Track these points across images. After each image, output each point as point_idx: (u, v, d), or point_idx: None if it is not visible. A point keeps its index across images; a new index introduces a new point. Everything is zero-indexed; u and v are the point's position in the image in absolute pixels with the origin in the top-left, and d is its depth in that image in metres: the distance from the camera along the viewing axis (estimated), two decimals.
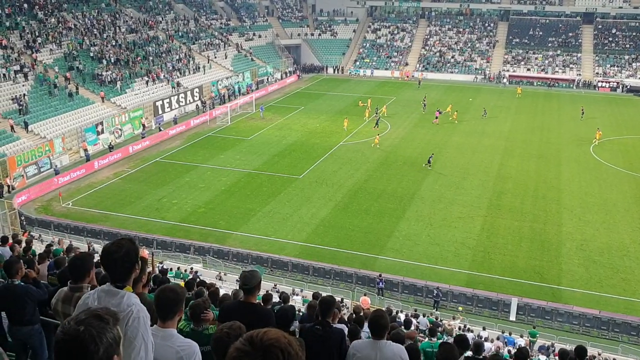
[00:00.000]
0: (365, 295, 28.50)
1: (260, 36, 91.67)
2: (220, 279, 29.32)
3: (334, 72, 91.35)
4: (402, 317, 19.11)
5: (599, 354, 23.43)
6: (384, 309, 20.56)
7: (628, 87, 78.33)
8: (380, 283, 30.16)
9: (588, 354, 21.90)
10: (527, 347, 19.37)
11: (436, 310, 29.11)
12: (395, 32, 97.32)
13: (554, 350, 23.45)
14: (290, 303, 23.35)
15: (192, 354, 4.61)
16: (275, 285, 28.84)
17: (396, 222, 37.34)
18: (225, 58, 79.63)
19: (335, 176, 45.29)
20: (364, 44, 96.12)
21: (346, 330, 8.34)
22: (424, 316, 24.72)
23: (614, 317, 27.90)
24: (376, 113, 61.57)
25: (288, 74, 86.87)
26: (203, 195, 41.64)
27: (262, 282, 21.98)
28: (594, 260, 32.55)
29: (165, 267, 27.23)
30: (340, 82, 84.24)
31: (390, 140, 54.57)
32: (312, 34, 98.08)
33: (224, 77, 74.24)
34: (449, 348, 6.67)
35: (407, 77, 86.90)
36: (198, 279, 16.75)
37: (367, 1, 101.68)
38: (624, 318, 27.81)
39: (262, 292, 18.43)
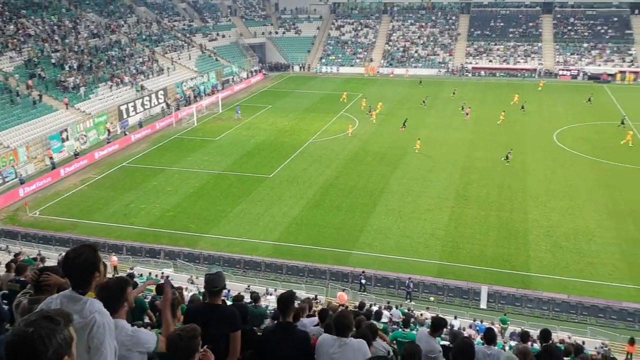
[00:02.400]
0: (343, 291, 28.71)
1: (224, 36, 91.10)
2: (192, 283, 29.15)
3: (300, 69, 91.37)
4: (375, 309, 19.31)
5: (569, 337, 23.98)
6: (357, 303, 20.75)
7: (588, 74, 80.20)
8: (362, 279, 30.40)
9: (558, 338, 22.47)
10: (494, 328, 19.72)
11: (409, 301, 29.45)
12: (359, 28, 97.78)
13: (517, 334, 23.93)
14: (264, 303, 23.38)
15: (138, 344, 4.73)
16: (248, 286, 28.80)
17: (367, 216, 37.62)
18: (190, 59, 78.91)
19: (305, 174, 45.36)
20: (329, 41, 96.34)
21: (313, 329, 8.43)
22: (396, 308, 24.99)
23: (582, 301, 28.62)
24: (369, 111, 61.84)
25: (254, 73, 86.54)
26: (171, 198, 41.27)
27: (235, 283, 21.87)
28: (560, 246, 33.32)
29: (135, 272, 26.96)
30: (307, 80, 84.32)
31: (359, 136, 54.86)
32: (277, 32, 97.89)
33: (189, 78, 73.59)
34: (415, 349, 6.73)
35: (373, 73, 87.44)
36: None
37: None
38: (592, 301, 28.54)
39: (234, 293, 18.38)
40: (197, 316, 5.68)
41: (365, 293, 29.84)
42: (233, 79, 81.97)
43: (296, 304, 8.47)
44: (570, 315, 28.46)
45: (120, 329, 4.58)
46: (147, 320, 9.06)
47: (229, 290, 23.80)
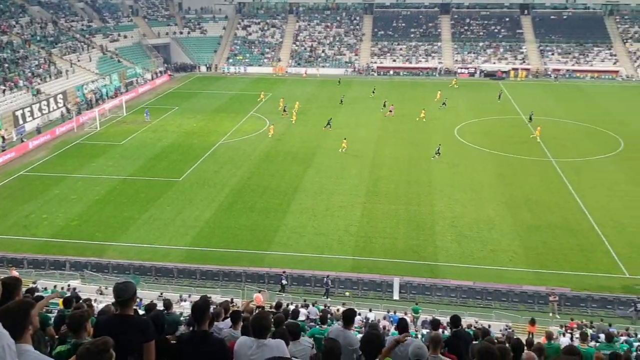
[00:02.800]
0: (260, 292, 28.60)
1: (125, 36, 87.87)
2: (101, 293, 27.97)
3: (207, 70, 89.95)
4: (292, 308, 19.45)
5: (476, 322, 25.26)
6: (273, 304, 20.77)
7: (485, 72, 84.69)
8: (283, 279, 30.41)
9: (466, 323, 23.59)
10: (406, 318, 20.43)
11: (327, 298, 29.87)
12: (266, 28, 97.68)
13: (430, 322, 24.94)
14: (179, 309, 22.88)
15: None
16: (161, 294, 28.03)
17: (282, 216, 37.72)
18: (90, 61, 75.44)
19: (217, 176, 44.76)
20: (235, 41, 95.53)
21: (226, 332, 8.37)
22: (313, 305, 25.27)
23: (486, 287, 30.26)
24: (284, 111, 61.91)
25: (159, 74, 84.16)
26: (75, 207, 39.35)
27: (147, 291, 21.19)
28: (465, 235, 35.01)
29: (39, 286, 25.50)
30: (215, 80, 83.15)
31: (269, 136, 54.79)
32: (181, 33, 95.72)
33: (90, 80, 70.38)
34: (334, 344, 6.85)
35: (282, 72, 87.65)
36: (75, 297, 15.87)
37: None
38: (495, 286, 30.25)
39: (146, 302, 17.86)
40: (108, 328, 5.51)
41: (284, 294, 29.91)
42: (137, 80, 79.29)
43: (211, 308, 8.39)
44: (476, 300, 30.01)
45: (25, 355, 4.36)
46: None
47: (140, 300, 23.05)
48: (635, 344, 22.29)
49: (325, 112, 62.64)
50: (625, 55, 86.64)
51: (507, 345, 9.18)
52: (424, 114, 59.58)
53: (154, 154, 49.93)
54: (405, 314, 26.78)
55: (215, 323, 9.47)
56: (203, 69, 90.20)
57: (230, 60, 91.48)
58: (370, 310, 26.88)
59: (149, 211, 38.52)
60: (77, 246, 34.27)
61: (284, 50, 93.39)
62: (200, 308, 6.10)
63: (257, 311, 9.64)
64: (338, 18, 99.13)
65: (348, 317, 8.65)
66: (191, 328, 7.50)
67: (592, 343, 18.59)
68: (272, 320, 7.14)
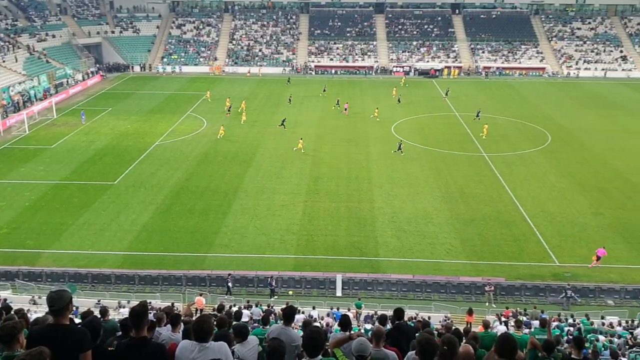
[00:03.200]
0: (201, 295, 28.23)
1: (54, 36, 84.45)
2: (34, 303, 26.84)
3: (141, 70, 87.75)
4: (234, 310, 19.30)
5: (417, 314, 25.87)
6: (216, 306, 20.55)
7: (419, 70, 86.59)
8: (229, 282, 30.17)
9: (407, 316, 24.11)
10: (348, 315, 20.72)
11: (272, 298, 29.82)
12: (201, 27, 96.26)
13: (377, 318, 25.36)
14: (117, 316, 22.23)
15: None
16: (99, 301, 27.19)
17: (222, 217, 37.31)
18: (16, 61, 72.08)
19: (154, 178, 43.77)
20: (170, 40, 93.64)
21: (166, 335, 8.24)
22: (256, 306, 25.16)
23: (426, 279, 31.03)
24: (228, 111, 61.29)
25: (90, 75, 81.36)
26: (4, 214, 37.53)
27: (84, 299, 20.51)
28: (404, 230, 35.74)
29: None
30: (149, 80, 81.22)
31: (208, 136, 54.11)
32: (113, 32, 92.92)
33: (16, 82, 67.25)
34: (277, 344, 6.88)
35: (219, 72, 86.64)
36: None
37: None
38: (434, 278, 31.06)
39: (83, 309, 17.29)
40: (42, 339, 5.32)
41: (230, 296, 29.63)
42: (68, 81, 76.36)
43: (152, 314, 8.23)
44: (416, 293, 30.73)
45: None
46: None
47: (77, 308, 22.29)
48: (566, 329, 23.44)
49: (267, 111, 62.36)
50: (551, 53, 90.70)
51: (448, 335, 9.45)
52: (377, 113, 60.33)
53: (87, 158, 48.29)
54: (349, 310, 27.09)
55: (157, 328, 9.31)
56: (137, 68, 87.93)
57: (165, 60, 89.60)
58: (313, 308, 27.04)
59: (83, 216, 37.25)
60: (7, 255, 32.74)
61: (220, 49, 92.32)
62: (138, 313, 5.97)
63: (198, 314, 9.52)
64: (274, 17, 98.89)
65: (288, 315, 8.69)
66: (129, 335, 7.29)
67: (527, 330, 19.43)
68: (214, 323, 7.08)
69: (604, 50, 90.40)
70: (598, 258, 31.80)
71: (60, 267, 31.45)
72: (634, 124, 59.04)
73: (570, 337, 22.50)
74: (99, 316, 11.15)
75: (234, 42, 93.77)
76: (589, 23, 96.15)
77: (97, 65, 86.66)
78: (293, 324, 9.03)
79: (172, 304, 25.03)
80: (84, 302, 26.65)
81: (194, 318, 11.03)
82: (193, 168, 45.93)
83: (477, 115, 59.61)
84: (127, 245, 33.96)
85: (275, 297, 29.92)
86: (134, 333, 6.00)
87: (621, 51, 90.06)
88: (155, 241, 34.46)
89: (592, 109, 65.40)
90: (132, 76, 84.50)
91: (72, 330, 5.60)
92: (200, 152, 49.76)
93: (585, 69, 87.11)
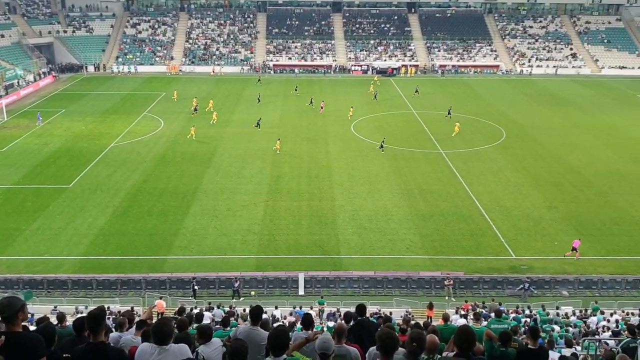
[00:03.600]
0: (161, 298, 27.81)
1: (3, 36, 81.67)
2: None
3: (96, 70, 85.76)
4: (195, 312, 19.10)
5: (379, 310, 26.13)
6: (176, 309, 20.30)
7: (377, 69, 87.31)
8: (194, 285, 29.81)
9: (369, 312, 24.32)
10: (310, 313, 20.80)
11: (238, 299, 29.63)
12: (157, 26, 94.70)
13: (340, 315, 25.51)
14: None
15: None
16: (55, 307, 26.47)
17: (181, 219, 36.85)
18: None
19: (110, 180, 42.88)
20: (124, 40, 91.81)
21: (127, 340, 8.10)
22: (218, 307, 24.97)
23: (387, 275, 31.36)
24: (195, 110, 60.87)
25: (42, 76, 79.06)
26: None
27: (40, 305, 19.96)
28: (364, 227, 36.03)
29: None
30: (104, 81, 79.46)
31: (165, 137, 53.32)
32: (65, 32, 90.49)
33: None
34: (240, 344, 6.84)
35: (175, 71, 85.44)
36: None
37: None
38: (394, 274, 31.42)
39: (39, 316, 16.81)
40: None
41: (194, 299, 29.31)
42: (18, 82, 73.98)
43: (111, 319, 8.08)
44: (377, 289, 31.03)
45: None
46: None
47: (32, 315, 21.65)
48: (523, 320, 24.07)
49: (225, 110, 61.80)
50: (504, 51, 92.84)
51: (407, 328, 9.60)
52: (352, 112, 60.63)
53: (40, 161, 46.94)
54: (311, 308, 27.15)
55: (119, 333, 9.19)
56: (91, 69, 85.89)
57: (120, 60, 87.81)
58: (276, 308, 26.97)
59: (38, 221, 36.21)
60: None
61: (177, 48, 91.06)
62: (96, 317, 5.86)
63: (158, 318, 9.41)
64: (231, 15, 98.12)
65: (255, 315, 8.68)
66: (83, 336, 7.10)
67: (485, 322, 19.84)
68: (174, 325, 7.01)
69: (555, 48, 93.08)
70: (574, 249, 32.73)
71: (14, 274, 30.52)
72: (584, 120, 60.99)
73: (527, 327, 23.15)
74: (56, 322, 10.89)
75: (190, 41, 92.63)
76: (540, 22, 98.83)
77: (50, 66, 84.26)
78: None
79: (132, 307, 24.64)
80: (40, 308, 25.90)
81: (154, 321, 10.87)
82: (150, 169, 45.20)
83: (449, 113, 60.45)
84: (84, 249, 33.20)
85: (242, 298, 29.73)
86: (91, 338, 5.88)
87: (571, 49, 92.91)
88: (112, 245, 33.79)
89: (544, 106, 67.27)
90: (86, 76, 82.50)
91: (25, 338, 5.44)
92: (157, 153, 49.00)
93: (538, 66, 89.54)
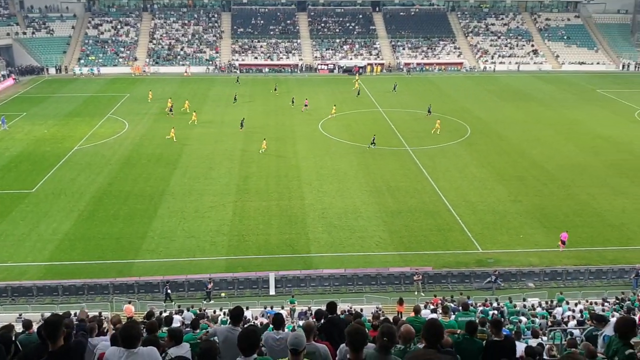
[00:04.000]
0: (130, 303, 27.46)
1: None
2: None
3: (57, 72, 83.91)
4: (164, 315, 18.91)
5: (350, 307, 26.27)
6: (145, 312, 20.07)
7: (344, 67, 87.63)
8: (167, 289, 29.52)
9: (340, 310, 24.44)
10: (281, 313, 20.80)
11: (209, 301, 29.44)
12: (119, 26, 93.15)
13: (311, 313, 25.57)
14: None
15: None
16: (20, 315, 25.83)
17: (149, 222, 36.39)
18: None
19: (74, 184, 42.06)
20: (86, 41, 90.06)
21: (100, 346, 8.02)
22: (188, 310, 24.75)
23: (357, 272, 31.57)
24: (170, 111, 60.44)
25: (2, 78, 76.99)
26: None
27: (4, 314, 19.50)
28: (334, 225, 36.17)
29: None
30: (66, 83, 77.81)
31: (130, 139, 52.53)
32: (25, 33, 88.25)
33: None
34: (210, 345, 6.86)
35: (139, 72, 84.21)
36: None
37: None
38: (364, 271, 31.66)
39: (3, 324, 16.41)
40: None
41: (165, 303, 28.98)
42: None
43: (73, 324, 7.97)
44: (348, 287, 31.21)
45: None
46: None
47: None
48: (491, 312, 24.52)
49: (191, 110, 61.21)
50: (468, 48, 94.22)
51: (377, 324, 9.70)
52: (334, 110, 60.71)
53: (1, 165, 45.74)
54: (282, 307, 27.14)
55: (89, 338, 9.12)
56: (52, 71, 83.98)
57: (82, 61, 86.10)
58: (247, 309, 26.83)
59: (0, 227, 35.30)
60: None
61: (140, 49, 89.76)
62: (53, 324, 5.77)
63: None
64: (196, 15, 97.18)
65: (235, 316, 8.67)
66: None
67: (453, 316, 20.15)
68: (143, 329, 6.96)
69: (517, 45, 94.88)
70: (563, 242, 33.45)
71: None
72: (546, 115, 62.35)
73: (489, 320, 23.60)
74: (22, 330, 10.70)
75: (154, 41, 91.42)
76: (502, 19, 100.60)
77: (9, 69, 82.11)
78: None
79: (100, 313, 24.27)
80: (4, 317, 25.25)
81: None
82: (116, 172, 44.50)
83: (429, 111, 61.01)
84: (49, 255, 32.52)
85: (212, 300, 29.53)
86: (50, 346, 5.79)
87: (532, 45, 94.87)
88: (78, 250, 33.18)
89: (507, 102, 68.54)
90: (47, 79, 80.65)
91: None
92: (122, 155, 48.27)
93: (500, 63, 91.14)
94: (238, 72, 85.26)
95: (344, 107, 65.19)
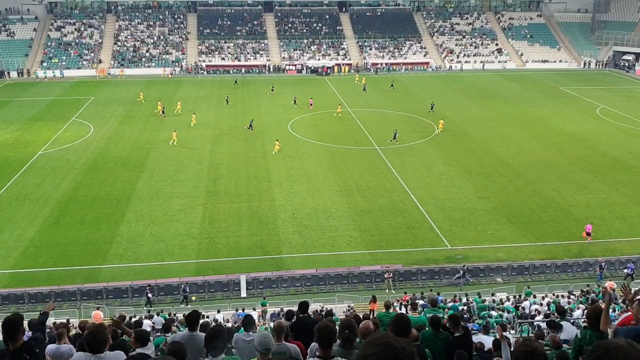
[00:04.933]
0: (98, 309, 26.97)
1: None
2: None
3: (19, 75, 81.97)
4: (134, 320, 18.67)
5: (322, 307, 26.32)
6: (115, 317, 19.76)
7: (311, 68, 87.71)
8: (148, 293, 29.14)
9: (311, 310, 24.46)
10: (251, 315, 20.78)
11: (187, 304, 29.19)
12: (83, 28, 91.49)
13: (284, 314, 25.52)
14: None
15: None
16: None
17: (116, 226, 35.84)
18: None
19: (39, 190, 41.17)
20: (49, 43, 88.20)
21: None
22: (158, 315, 24.50)
23: (328, 272, 31.64)
24: (162, 112, 60.02)
25: None
26: None
27: None
28: (305, 226, 36.18)
29: None
30: (28, 87, 76.07)
31: (95, 142, 51.65)
32: None
33: None
34: (178, 347, 6.80)
35: (104, 74, 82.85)
36: None
37: None
38: (335, 270, 31.75)
39: None
40: None
41: (150, 307, 28.61)
42: None
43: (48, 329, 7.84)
44: (320, 287, 31.27)
45: None
46: None
47: None
48: (460, 308, 24.87)
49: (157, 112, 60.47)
50: (434, 48, 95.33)
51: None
52: (340, 109, 61.46)
53: None
54: (254, 309, 27.05)
55: (56, 345, 9.00)
56: (14, 74, 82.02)
57: (45, 64, 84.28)
58: (218, 312, 26.70)
59: None
60: None
61: (105, 51, 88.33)
62: (12, 323, 5.66)
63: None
64: (161, 17, 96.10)
65: (192, 321, 8.61)
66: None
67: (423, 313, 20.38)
68: (109, 333, 6.87)
69: (482, 44, 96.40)
70: (588, 234, 33.99)
71: None
72: (511, 113, 63.50)
73: (467, 315, 23.95)
74: None
75: (119, 43, 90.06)
76: (467, 18, 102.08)
77: None
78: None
79: (68, 320, 23.81)
80: None
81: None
82: (81, 176, 43.71)
83: (432, 108, 61.98)
84: (13, 262, 31.77)
85: (182, 305, 29.24)
86: (10, 345, 5.69)
87: (497, 44, 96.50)
88: (44, 256, 32.49)
89: (473, 100, 69.57)
90: (8, 83, 78.71)
91: None
92: (88, 159, 47.43)
93: (466, 62, 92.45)
94: (181, 74, 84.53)
95: (313, 107, 65.23)
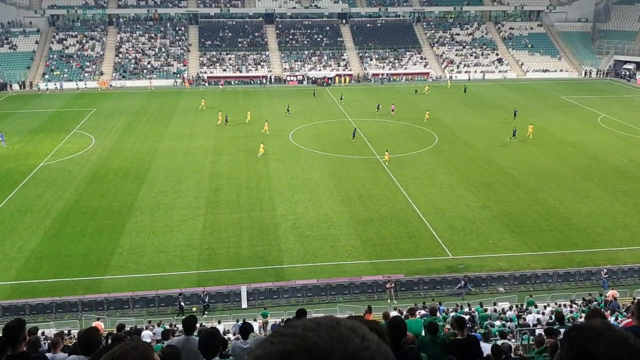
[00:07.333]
0: (98, 319, 26.97)
1: None
2: None
3: (21, 88, 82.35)
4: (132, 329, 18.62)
5: None
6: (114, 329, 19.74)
7: (312, 78, 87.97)
8: (181, 300, 29.27)
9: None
10: (249, 323, 20.71)
11: (181, 315, 29.05)
12: (84, 41, 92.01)
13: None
14: None
15: None
16: None
17: (117, 238, 35.84)
18: None
19: (40, 201, 41.23)
20: (51, 56, 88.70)
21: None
22: (158, 325, 24.42)
23: (330, 282, 31.56)
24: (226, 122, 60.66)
25: None
26: None
27: None
28: (306, 235, 36.14)
29: None
30: (31, 99, 76.39)
31: (97, 154, 51.78)
32: None
33: None
34: (172, 350, 6.81)
35: (106, 86, 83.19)
36: None
37: (47, 10, 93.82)
38: (337, 281, 31.66)
39: None
40: None
41: (178, 317, 28.54)
42: None
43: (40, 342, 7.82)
44: (321, 297, 31.19)
45: None
46: None
47: None
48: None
49: (159, 124, 60.63)
50: (434, 58, 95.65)
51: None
52: (427, 115, 62.07)
53: None
54: (255, 320, 26.93)
55: (52, 353, 9.01)
56: (16, 87, 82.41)
57: (47, 77, 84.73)
58: (219, 322, 26.58)
59: None
60: None
61: (106, 63, 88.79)
62: (13, 329, 5.66)
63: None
64: (162, 29, 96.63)
65: (187, 326, 8.63)
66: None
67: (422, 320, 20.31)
68: (101, 335, 6.87)
69: (482, 54, 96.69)
70: None
71: None
72: (512, 122, 63.43)
73: (469, 324, 23.82)
74: None
75: (120, 55, 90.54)
76: (467, 29, 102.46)
77: None
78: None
79: (69, 331, 23.78)
80: None
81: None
82: (83, 188, 43.77)
83: (515, 115, 63.57)
84: (15, 274, 31.76)
85: (183, 316, 29.11)
86: (10, 350, 5.68)
87: (497, 54, 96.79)
88: (45, 267, 32.49)
89: (474, 109, 69.65)
90: (10, 95, 79.08)
91: None
92: (89, 170, 47.53)
93: (466, 72, 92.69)
94: (182, 85, 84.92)
95: (313, 117, 65.45)
